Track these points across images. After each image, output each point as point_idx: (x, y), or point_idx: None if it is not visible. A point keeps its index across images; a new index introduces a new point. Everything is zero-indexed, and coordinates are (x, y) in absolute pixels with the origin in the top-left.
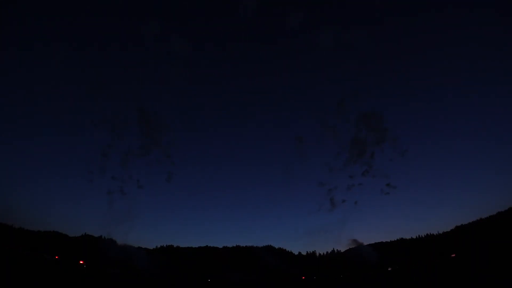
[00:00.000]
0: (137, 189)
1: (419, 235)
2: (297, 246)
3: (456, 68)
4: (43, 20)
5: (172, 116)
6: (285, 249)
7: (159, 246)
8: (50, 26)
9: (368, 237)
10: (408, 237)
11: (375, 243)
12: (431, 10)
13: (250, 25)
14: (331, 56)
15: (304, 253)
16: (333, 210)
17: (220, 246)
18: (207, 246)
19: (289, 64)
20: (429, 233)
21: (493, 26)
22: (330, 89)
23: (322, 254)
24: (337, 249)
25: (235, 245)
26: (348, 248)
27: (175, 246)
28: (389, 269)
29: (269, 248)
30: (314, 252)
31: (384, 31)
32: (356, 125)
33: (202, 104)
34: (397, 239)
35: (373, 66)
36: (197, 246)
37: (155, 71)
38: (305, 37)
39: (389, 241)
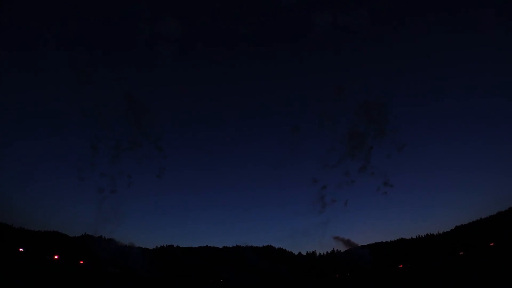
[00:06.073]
0: (128, 185)
1: (419, 235)
2: (297, 246)
3: (459, 67)
4: (24, 14)
5: (163, 107)
6: (285, 249)
7: (159, 246)
8: (31, 17)
9: (367, 237)
10: (408, 237)
11: (375, 243)
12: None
13: (242, 6)
14: (329, 40)
15: (304, 253)
16: (328, 210)
17: (220, 246)
18: (207, 246)
19: (283, 49)
20: (429, 233)
21: (500, 25)
22: (327, 76)
23: (322, 254)
24: (337, 249)
25: (235, 245)
26: (347, 248)
27: (175, 246)
28: (461, 253)
29: (269, 248)
30: (314, 252)
31: (386, 14)
32: (354, 115)
33: (194, 94)
34: (397, 239)
35: (374, 52)
36: (196, 246)
37: (144, 58)
38: (301, 18)
39: (389, 241)
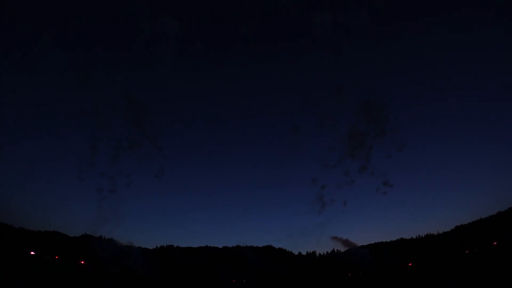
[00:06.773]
0: (128, 185)
1: (419, 235)
2: (297, 246)
3: (459, 67)
4: (24, 14)
5: (163, 107)
6: (285, 249)
7: (159, 246)
8: (31, 17)
9: (366, 237)
10: (408, 237)
11: (375, 243)
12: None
13: (242, 6)
14: (329, 40)
15: (304, 253)
16: (328, 209)
17: (220, 246)
18: (207, 246)
19: (283, 49)
20: (429, 233)
21: (500, 25)
22: (327, 76)
23: (322, 254)
24: (337, 249)
25: (235, 245)
26: (346, 248)
27: (175, 246)
28: (467, 251)
29: (269, 248)
30: (314, 252)
31: (386, 14)
32: (354, 115)
33: (194, 94)
34: (397, 239)
35: (374, 52)
36: (196, 246)
37: (144, 57)
38: (301, 18)
39: (388, 241)
